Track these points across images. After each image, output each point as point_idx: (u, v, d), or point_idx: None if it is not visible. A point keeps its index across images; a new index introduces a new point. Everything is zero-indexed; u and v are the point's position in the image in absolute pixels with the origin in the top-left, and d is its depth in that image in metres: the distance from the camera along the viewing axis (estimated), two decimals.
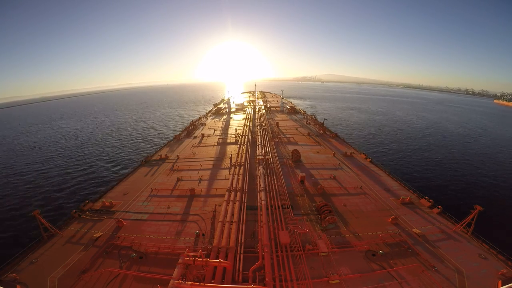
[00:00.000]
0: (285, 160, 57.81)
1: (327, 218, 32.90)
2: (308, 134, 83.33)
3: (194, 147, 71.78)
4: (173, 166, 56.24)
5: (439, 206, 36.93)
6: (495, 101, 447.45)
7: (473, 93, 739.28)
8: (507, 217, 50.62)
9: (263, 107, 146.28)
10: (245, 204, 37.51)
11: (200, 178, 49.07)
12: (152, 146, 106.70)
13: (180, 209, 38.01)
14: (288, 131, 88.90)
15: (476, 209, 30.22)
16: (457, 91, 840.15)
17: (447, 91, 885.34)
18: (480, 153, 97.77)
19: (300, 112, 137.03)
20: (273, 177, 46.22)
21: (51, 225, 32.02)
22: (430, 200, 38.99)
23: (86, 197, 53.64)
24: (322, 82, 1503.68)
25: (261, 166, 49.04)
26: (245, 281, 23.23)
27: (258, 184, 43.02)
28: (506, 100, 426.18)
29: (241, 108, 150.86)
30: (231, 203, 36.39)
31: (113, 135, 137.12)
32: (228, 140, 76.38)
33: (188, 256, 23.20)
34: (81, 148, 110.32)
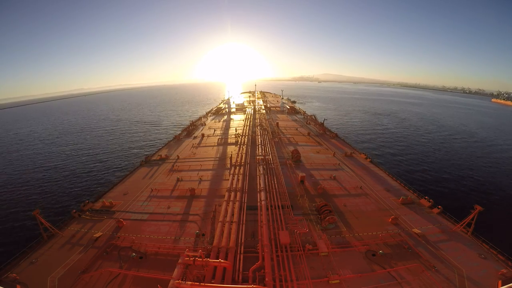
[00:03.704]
0: (285, 160, 57.81)
1: (327, 218, 32.91)
2: (308, 134, 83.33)
3: (194, 147, 71.79)
4: (173, 166, 56.24)
5: (439, 206, 36.91)
6: (493, 100, 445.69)
7: (470, 92, 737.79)
8: (507, 217, 50.63)
9: (263, 107, 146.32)
10: (245, 204, 37.50)
11: (200, 178, 49.07)
12: (152, 146, 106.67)
13: (180, 209, 38.02)
14: (288, 131, 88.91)
15: (476, 209, 30.22)
16: (454, 90, 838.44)
17: (443, 90, 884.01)
18: (480, 153, 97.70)
19: (300, 112, 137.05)
20: (273, 177, 46.16)
21: (51, 225, 32.03)
22: (430, 200, 38.97)
23: (86, 197, 53.68)
24: (319, 82, 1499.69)
25: (261, 166, 49.02)
26: (245, 281, 23.21)
27: (258, 184, 43.00)
28: (503, 99, 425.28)
29: (241, 108, 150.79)
30: (231, 203, 36.37)
31: (112, 135, 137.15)
32: (228, 140, 76.39)
33: (188, 256, 23.17)
34: (81, 148, 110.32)
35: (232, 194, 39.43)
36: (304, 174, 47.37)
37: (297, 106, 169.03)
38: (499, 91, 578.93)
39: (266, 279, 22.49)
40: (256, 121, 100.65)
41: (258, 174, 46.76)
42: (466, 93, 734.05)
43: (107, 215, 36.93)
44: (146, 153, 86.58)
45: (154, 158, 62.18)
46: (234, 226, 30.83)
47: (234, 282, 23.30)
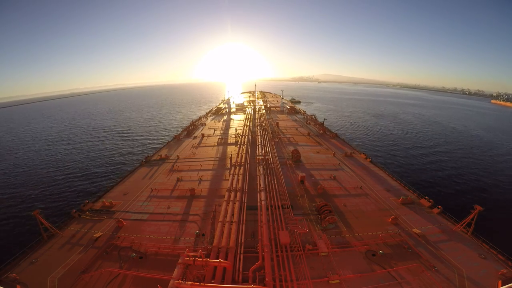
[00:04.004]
0: (285, 160, 57.80)
1: (327, 218, 32.91)
2: (308, 134, 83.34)
3: (194, 147, 71.76)
4: (173, 166, 56.22)
5: (439, 206, 36.91)
6: (493, 101, 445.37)
7: (469, 93, 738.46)
8: (507, 217, 50.68)
9: (263, 107, 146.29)
10: (245, 204, 37.47)
11: (200, 178, 49.06)
12: (152, 146, 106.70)
13: (180, 209, 38.01)
14: (288, 131, 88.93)
15: (476, 209, 30.22)
16: (453, 91, 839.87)
17: (443, 91, 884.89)
18: (480, 153, 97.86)
19: (300, 112, 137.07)
20: (273, 177, 46.13)
21: (51, 225, 32.03)
22: (430, 200, 38.97)
23: (86, 197, 53.63)
24: (319, 82, 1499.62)
25: (261, 166, 48.97)
26: (245, 281, 23.20)
27: (258, 184, 42.97)
28: (503, 100, 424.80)
29: (241, 108, 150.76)
30: (231, 203, 36.35)
31: (112, 135, 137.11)
32: (228, 140, 76.37)
33: (188, 256, 23.15)
34: (81, 148, 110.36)
35: (232, 194, 39.39)
36: (304, 174, 47.38)
37: (297, 106, 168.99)
38: (499, 92, 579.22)
39: (266, 279, 22.49)
40: (256, 121, 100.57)
41: (258, 174, 46.72)
42: (466, 94, 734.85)
43: (107, 215, 36.91)
44: (146, 153, 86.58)
45: (154, 158, 62.15)
46: (234, 226, 30.81)
47: (234, 282, 23.29)
